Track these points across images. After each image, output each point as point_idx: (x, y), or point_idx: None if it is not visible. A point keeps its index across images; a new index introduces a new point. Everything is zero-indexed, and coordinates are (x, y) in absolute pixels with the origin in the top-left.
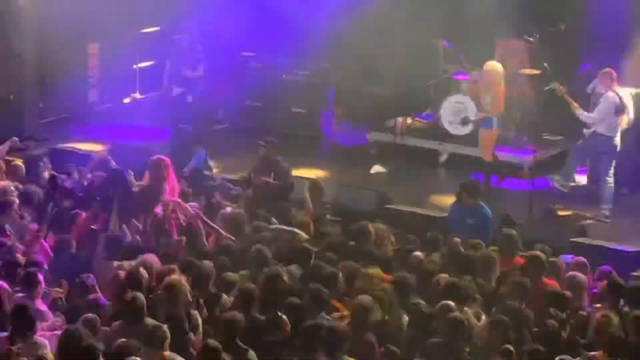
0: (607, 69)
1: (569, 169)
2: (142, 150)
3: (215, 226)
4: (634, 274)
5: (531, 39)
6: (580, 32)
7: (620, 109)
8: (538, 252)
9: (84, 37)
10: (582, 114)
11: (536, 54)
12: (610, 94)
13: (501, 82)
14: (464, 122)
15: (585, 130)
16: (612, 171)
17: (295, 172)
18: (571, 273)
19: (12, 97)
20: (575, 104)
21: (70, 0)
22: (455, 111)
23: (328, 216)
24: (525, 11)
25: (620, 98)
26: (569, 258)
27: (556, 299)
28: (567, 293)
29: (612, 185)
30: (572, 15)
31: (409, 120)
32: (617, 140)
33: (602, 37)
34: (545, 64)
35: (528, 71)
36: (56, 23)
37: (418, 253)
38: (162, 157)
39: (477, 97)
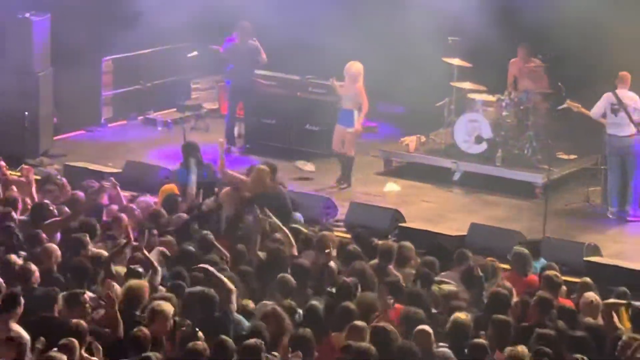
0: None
1: (607, 192)
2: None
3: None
4: None
5: (545, 59)
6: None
7: (616, 108)
8: (552, 272)
9: (99, 53)
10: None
11: (550, 73)
12: (607, 93)
13: (360, 78)
14: (478, 140)
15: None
16: (633, 174)
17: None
18: (587, 294)
19: (26, 113)
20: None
21: (85, 17)
22: (469, 130)
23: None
24: (538, 33)
25: (617, 97)
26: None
27: (569, 316)
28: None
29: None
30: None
31: (423, 139)
32: (632, 139)
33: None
34: (560, 84)
35: (541, 90)
36: (71, 39)
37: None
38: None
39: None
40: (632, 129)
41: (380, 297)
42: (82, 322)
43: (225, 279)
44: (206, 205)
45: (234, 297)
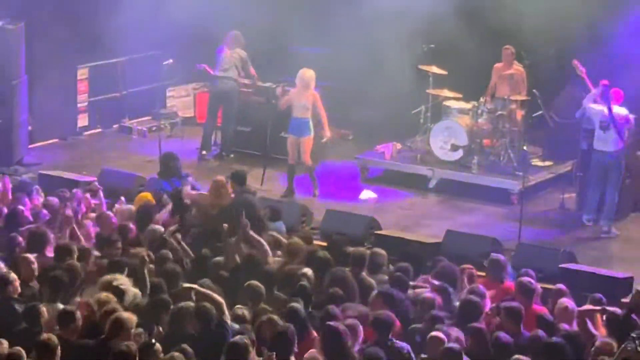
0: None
1: (585, 202)
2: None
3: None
4: (624, 300)
5: (524, 64)
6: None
7: (605, 126)
8: (526, 279)
9: (74, 61)
10: (586, 103)
11: (526, 79)
12: (598, 107)
13: (312, 84)
14: (454, 147)
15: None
16: (613, 188)
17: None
18: (561, 300)
19: (0, 121)
20: (592, 90)
21: (60, 25)
22: (445, 137)
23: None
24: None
25: (610, 113)
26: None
27: (546, 325)
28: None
29: (614, 201)
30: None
31: (399, 146)
32: (615, 154)
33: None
34: (534, 90)
35: (517, 97)
36: (46, 47)
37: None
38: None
39: (290, 104)
40: (617, 145)
41: (373, 307)
42: (52, 336)
43: (213, 294)
44: (167, 233)
45: (225, 308)
